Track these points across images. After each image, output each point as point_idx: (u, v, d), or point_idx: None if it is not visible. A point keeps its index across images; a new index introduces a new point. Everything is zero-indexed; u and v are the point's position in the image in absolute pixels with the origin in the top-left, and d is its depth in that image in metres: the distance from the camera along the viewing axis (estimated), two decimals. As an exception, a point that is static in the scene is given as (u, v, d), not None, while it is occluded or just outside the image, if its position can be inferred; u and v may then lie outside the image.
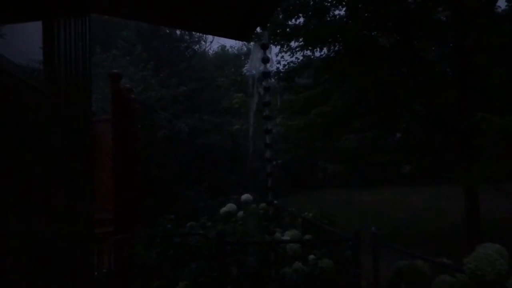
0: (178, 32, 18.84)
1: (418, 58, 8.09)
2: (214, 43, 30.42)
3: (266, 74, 4.44)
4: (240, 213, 6.91)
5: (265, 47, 4.35)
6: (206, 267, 4.66)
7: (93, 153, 7.26)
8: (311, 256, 5.18)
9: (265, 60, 4.37)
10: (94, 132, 7.02)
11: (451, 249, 7.71)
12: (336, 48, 8.33)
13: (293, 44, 9.20)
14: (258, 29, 4.46)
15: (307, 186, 17.22)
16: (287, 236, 5.80)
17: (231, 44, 27.41)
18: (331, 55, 8.40)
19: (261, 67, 4.44)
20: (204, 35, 20.98)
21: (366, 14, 7.96)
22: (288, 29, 8.29)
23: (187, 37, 19.44)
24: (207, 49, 22.76)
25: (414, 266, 3.77)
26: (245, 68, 17.41)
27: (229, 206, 7.14)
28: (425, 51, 8.48)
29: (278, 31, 8.21)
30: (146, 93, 11.23)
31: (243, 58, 24.81)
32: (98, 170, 6.94)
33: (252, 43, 6.72)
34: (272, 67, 4.40)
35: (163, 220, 7.16)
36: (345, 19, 8.21)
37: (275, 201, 7.86)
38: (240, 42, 26.69)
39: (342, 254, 5.02)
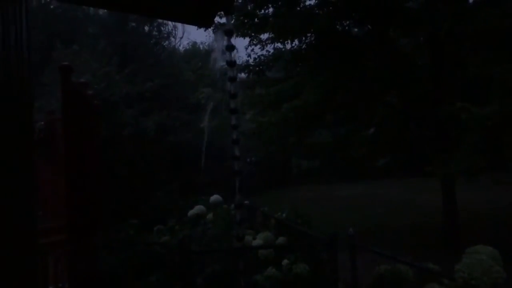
0: (146, 27, 18.24)
1: (392, 48, 7.82)
2: (184, 39, 29.71)
3: (231, 64, 4.03)
4: (209, 216, 6.50)
5: (229, 34, 3.94)
6: (168, 279, 4.24)
7: (41, 153, 6.64)
8: (285, 261, 4.80)
9: (230, 47, 3.96)
10: (51, 131, 6.44)
11: (430, 244, 7.52)
12: (308, 40, 7.98)
13: (263, 36, 8.84)
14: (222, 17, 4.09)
15: (282, 183, 16.92)
16: (259, 239, 5.41)
17: (202, 40, 26.90)
18: (303, 47, 8.04)
19: (225, 56, 4.03)
20: (174, 31, 20.41)
21: (337, 3, 7.64)
22: (256, 19, 7.90)
23: (156, 33, 18.83)
24: (176, 45, 22.13)
25: (397, 272, 3.44)
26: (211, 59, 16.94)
27: (198, 208, 6.71)
28: (398, 42, 8.22)
29: (246, 21, 7.80)
30: (110, 89, 10.64)
31: (213, 55, 24.36)
32: (50, 172, 6.39)
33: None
34: (237, 55, 3.96)
35: (126, 225, 6.67)
36: (316, 9, 7.88)
37: (246, 201, 7.46)
38: (211, 37, 26.21)
39: (318, 258, 4.67)
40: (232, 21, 3.85)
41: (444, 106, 7.20)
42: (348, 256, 4.01)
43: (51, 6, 15.30)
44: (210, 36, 25.83)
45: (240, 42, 9.44)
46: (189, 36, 30.39)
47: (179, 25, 20.42)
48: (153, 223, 7.62)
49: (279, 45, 8.85)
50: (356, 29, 8.19)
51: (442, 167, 7.38)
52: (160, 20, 18.38)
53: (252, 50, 9.19)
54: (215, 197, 6.52)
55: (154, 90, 12.28)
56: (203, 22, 4.12)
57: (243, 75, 9.01)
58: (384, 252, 3.56)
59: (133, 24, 16.92)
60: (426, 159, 8.59)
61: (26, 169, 3.22)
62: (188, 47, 25.02)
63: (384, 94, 8.28)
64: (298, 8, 8.06)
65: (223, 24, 5.80)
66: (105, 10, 17.19)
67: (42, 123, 7.95)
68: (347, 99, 8.01)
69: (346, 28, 7.99)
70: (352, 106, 8.35)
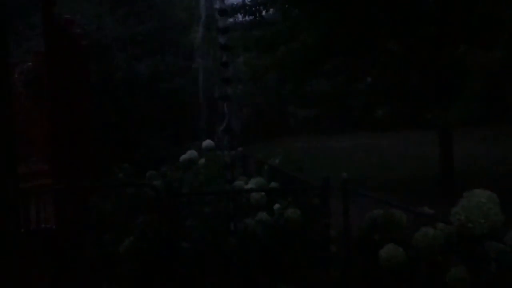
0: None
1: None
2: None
3: (222, 11, 3.67)
4: (201, 161, 6.36)
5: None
6: (155, 221, 4.13)
7: (29, 94, 6.35)
8: (277, 206, 4.69)
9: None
10: (38, 72, 6.17)
11: (426, 193, 7.45)
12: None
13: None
14: None
15: (277, 133, 16.72)
16: (251, 184, 5.28)
17: (199, -16, 25.75)
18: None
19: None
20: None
21: None
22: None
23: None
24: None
25: (390, 216, 3.31)
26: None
27: (190, 153, 6.55)
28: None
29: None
30: (101, 31, 10.21)
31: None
32: (38, 114, 6.19)
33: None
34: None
35: (117, 169, 6.55)
36: None
37: (240, 148, 7.31)
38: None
39: (310, 203, 4.57)
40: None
41: (447, 50, 6.92)
42: (340, 205, 3.90)
43: None
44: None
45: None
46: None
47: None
48: (146, 170, 7.50)
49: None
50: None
51: (442, 115, 7.21)
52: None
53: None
54: (207, 142, 6.35)
55: (147, 34, 11.84)
56: None
57: (239, 16, 8.59)
58: (378, 197, 3.43)
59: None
60: (426, 109, 8.39)
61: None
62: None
63: (384, 38, 7.92)
64: None
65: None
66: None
67: (30, 64, 7.61)
68: (346, 44, 7.67)
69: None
70: (351, 52, 8.01)
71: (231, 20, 8.90)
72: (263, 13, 8.15)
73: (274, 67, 7.12)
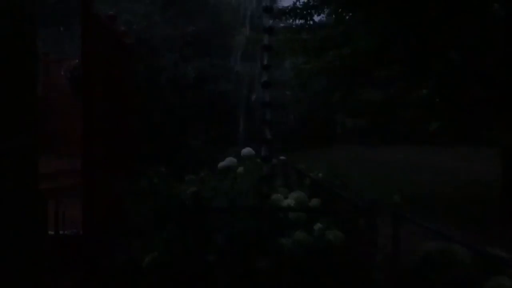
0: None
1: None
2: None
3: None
4: (240, 169, 6.04)
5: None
6: (182, 234, 3.83)
7: (76, 92, 6.22)
8: (318, 225, 4.28)
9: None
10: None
11: (486, 219, 6.74)
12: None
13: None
14: None
15: (323, 142, 16.14)
16: (291, 198, 4.89)
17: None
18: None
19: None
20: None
21: None
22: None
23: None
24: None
25: (449, 252, 2.83)
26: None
27: (229, 160, 6.25)
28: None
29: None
30: (150, 31, 10.16)
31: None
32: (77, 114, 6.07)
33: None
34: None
35: (152, 173, 6.34)
36: None
37: (282, 157, 6.91)
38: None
39: (355, 224, 4.12)
40: None
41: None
42: (390, 227, 3.45)
43: None
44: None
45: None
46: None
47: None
48: (186, 173, 7.29)
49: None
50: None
51: (507, 133, 6.54)
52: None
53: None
54: (247, 150, 6.03)
55: (196, 35, 11.73)
56: None
57: (290, 20, 8.21)
58: (435, 228, 2.95)
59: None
60: (486, 124, 7.69)
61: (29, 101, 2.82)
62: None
63: (445, 46, 7.29)
64: None
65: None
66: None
67: (77, 61, 7.52)
68: (402, 51, 7.11)
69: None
70: (407, 61, 7.43)
71: (281, 24, 8.58)
72: (315, 16, 7.74)
73: (322, 72, 6.67)
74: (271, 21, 3.33)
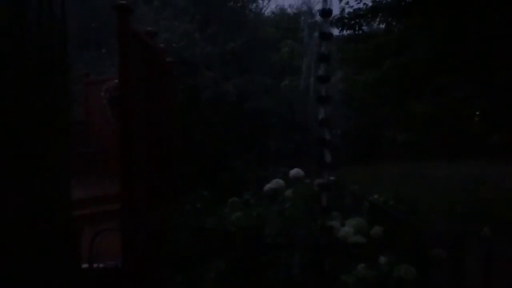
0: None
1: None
2: (272, 3, 28.34)
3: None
4: (288, 192, 5.55)
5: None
6: (232, 268, 3.39)
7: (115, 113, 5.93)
8: (383, 258, 3.71)
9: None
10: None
11: None
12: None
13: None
14: None
15: (369, 158, 15.34)
16: (348, 225, 4.34)
17: (290, 2, 25.42)
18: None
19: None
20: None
21: None
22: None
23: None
24: (263, 9, 20.92)
25: None
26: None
27: (275, 182, 5.77)
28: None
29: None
30: (190, 49, 9.95)
31: (302, 18, 22.94)
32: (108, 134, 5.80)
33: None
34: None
35: (196, 197, 5.96)
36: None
37: (332, 177, 6.37)
38: (300, 1, 24.81)
39: (431, 259, 3.54)
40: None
41: None
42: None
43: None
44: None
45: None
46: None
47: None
48: (229, 194, 6.91)
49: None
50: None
51: None
52: (246, -17, 17.44)
53: (347, 3, 7.85)
54: (295, 171, 5.56)
55: (237, 52, 11.46)
56: None
57: (336, 30, 7.74)
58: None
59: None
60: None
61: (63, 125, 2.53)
62: (275, 11, 23.79)
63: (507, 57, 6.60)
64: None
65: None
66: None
67: (116, 81, 7.28)
68: (465, 58, 6.46)
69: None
70: (466, 70, 6.78)
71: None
72: (364, 26, 7.23)
73: (378, 84, 6.15)
74: (328, 25, 2.88)
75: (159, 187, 5.45)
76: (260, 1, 20.76)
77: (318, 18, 3.60)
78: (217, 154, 9.80)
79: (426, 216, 4.31)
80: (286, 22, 19.33)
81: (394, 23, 6.99)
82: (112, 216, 4.60)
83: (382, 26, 7.33)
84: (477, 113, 8.67)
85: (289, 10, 24.68)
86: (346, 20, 7.31)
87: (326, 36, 2.80)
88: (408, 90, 7.06)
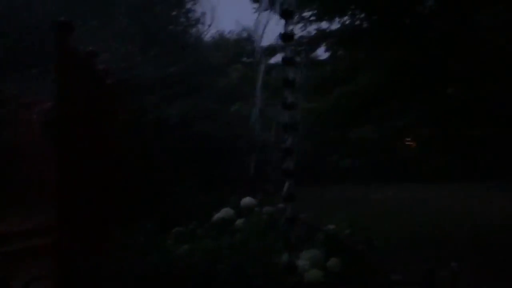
0: (173, 13, 17.16)
1: (465, 29, 6.42)
2: (212, 27, 28.35)
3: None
4: (239, 221, 5.32)
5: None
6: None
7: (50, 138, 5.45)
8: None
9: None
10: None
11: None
12: (364, 16, 6.59)
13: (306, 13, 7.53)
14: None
15: (312, 181, 15.42)
16: (303, 259, 4.18)
17: (231, 29, 25.57)
18: (358, 25, 6.63)
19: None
20: (202, 18, 19.20)
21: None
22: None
23: (183, 19, 17.73)
24: (204, 34, 20.81)
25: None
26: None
27: (225, 212, 5.53)
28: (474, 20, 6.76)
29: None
30: (130, 71, 9.55)
31: (241, 44, 23.25)
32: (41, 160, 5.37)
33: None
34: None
35: (138, 229, 5.55)
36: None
37: (280, 204, 6.17)
38: (240, 26, 25.15)
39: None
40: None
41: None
42: None
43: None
44: (240, 24, 24.79)
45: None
46: (218, 24, 29.18)
47: (208, 12, 19.35)
48: (172, 223, 6.53)
49: (322, 24, 7.52)
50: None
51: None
52: (188, 6, 17.37)
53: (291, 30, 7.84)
54: (247, 200, 5.35)
55: (179, 76, 11.19)
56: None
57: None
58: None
59: (159, 6, 15.84)
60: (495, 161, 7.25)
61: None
62: (215, 37, 23.80)
63: (449, 85, 6.89)
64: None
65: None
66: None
67: (50, 103, 6.76)
68: (404, 89, 6.66)
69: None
70: (410, 97, 6.99)
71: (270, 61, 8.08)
72: (309, 53, 7.28)
73: (328, 112, 6.14)
74: (290, 51, 2.75)
75: (99, 218, 5.04)
76: (200, 26, 20.76)
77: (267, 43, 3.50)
78: (159, 181, 9.37)
79: (384, 245, 4.23)
80: (232, 46, 19.39)
81: (339, 52, 7.11)
82: (42, 255, 4.15)
83: (328, 53, 7.44)
84: (415, 140, 9.00)
85: (228, 36, 24.88)
86: (292, 47, 7.29)
87: (289, 61, 2.65)
88: (353, 117, 7.16)
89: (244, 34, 24.78)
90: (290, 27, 2.89)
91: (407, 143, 11.68)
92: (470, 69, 6.80)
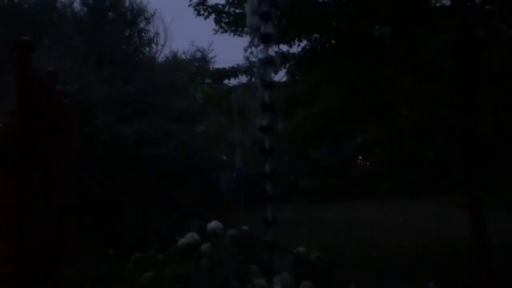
0: (126, 33, 16.92)
1: (417, 53, 6.75)
2: (166, 47, 28.16)
3: (267, 37, 2.85)
4: (205, 246, 5.22)
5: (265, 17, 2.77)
6: None
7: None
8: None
9: (266, 15, 2.79)
10: (9, 135, 5.08)
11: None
12: (323, 40, 6.77)
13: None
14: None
15: (263, 200, 15.31)
16: (276, 283, 4.15)
17: (185, 49, 25.51)
18: (317, 48, 6.81)
19: (261, 28, 2.86)
20: (156, 38, 19.05)
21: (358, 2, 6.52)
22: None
23: (136, 38, 17.51)
24: (157, 53, 20.56)
25: None
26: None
27: (190, 237, 5.42)
28: (425, 45, 7.13)
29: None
30: (84, 91, 9.25)
31: (196, 64, 23.21)
32: (5, 187, 5.04)
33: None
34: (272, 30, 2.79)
35: (99, 257, 5.33)
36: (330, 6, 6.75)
37: (245, 227, 6.12)
38: (194, 47, 25.10)
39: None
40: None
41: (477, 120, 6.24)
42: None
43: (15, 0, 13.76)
44: (193, 45, 24.78)
45: (238, 42, 8.25)
46: (171, 44, 29.11)
47: (161, 32, 19.24)
48: (130, 249, 6.28)
49: (283, 47, 7.65)
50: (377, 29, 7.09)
51: (474, 191, 6.40)
52: (141, 26, 17.23)
53: (251, 52, 7.96)
54: (214, 224, 5.25)
55: (134, 96, 10.97)
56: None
57: (244, 77, 7.78)
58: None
59: (112, 26, 15.55)
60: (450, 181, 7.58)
61: None
62: (169, 57, 23.60)
63: (404, 105, 7.19)
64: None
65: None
66: (82, 11, 15.94)
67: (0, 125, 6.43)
68: (362, 109, 6.88)
69: (367, 28, 6.82)
70: (368, 117, 7.21)
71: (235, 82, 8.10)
72: (272, 75, 7.32)
73: (296, 133, 6.20)
74: (271, 74, 2.79)
75: (56, 246, 4.78)
76: (154, 46, 20.55)
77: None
78: (115, 204, 9.05)
79: (353, 266, 4.27)
80: (187, 66, 19.29)
81: (300, 75, 7.25)
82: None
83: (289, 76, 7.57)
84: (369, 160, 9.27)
85: (183, 56, 24.76)
86: (255, 69, 7.36)
87: (269, 85, 2.69)
88: (315, 138, 7.28)
89: (198, 55, 24.87)
90: (270, 50, 2.95)
91: (359, 162, 12.01)
92: (421, 90, 7.12)
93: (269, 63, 2.78)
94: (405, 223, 10.58)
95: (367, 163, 11.05)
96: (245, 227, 6.25)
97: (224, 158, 11.03)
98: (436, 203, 10.76)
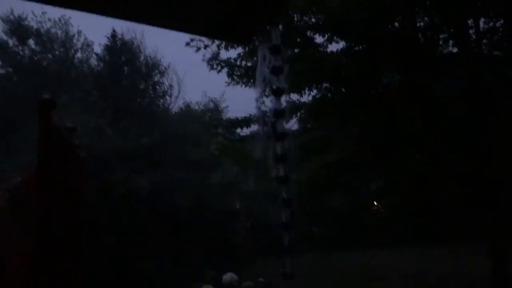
0: (141, 86, 17.44)
1: (426, 99, 6.85)
2: (179, 98, 28.76)
3: (278, 91, 2.94)
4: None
5: (275, 51, 2.87)
6: None
7: (16, 217, 5.28)
8: None
9: (277, 70, 2.89)
10: (29, 190, 5.19)
11: None
12: (333, 88, 6.94)
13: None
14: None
15: (278, 250, 15.01)
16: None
17: (198, 100, 26.03)
18: (327, 96, 6.96)
19: (272, 82, 2.96)
20: (170, 90, 19.57)
21: (366, 51, 6.72)
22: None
23: (151, 91, 18.04)
24: (171, 105, 21.03)
25: None
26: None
27: (207, 290, 5.37)
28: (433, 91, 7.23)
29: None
30: (101, 144, 9.47)
31: (209, 114, 23.59)
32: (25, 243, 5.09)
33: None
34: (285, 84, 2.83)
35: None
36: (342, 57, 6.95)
37: (261, 279, 6.03)
38: (207, 97, 25.66)
39: None
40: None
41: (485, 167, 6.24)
42: None
43: (35, 58, 14.40)
44: (206, 95, 25.31)
45: (249, 92, 8.48)
46: (184, 95, 29.78)
47: (175, 84, 19.75)
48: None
49: (293, 96, 7.84)
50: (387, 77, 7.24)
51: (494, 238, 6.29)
52: (156, 79, 17.75)
53: (263, 102, 8.13)
54: (229, 276, 5.20)
55: (149, 147, 11.16)
56: (240, 38, 3.04)
57: (256, 127, 7.90)
58: None
59: (128, 80, 16.08)
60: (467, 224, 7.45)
61: None
62: (182, 108, 24.05)
63: (414, 150, 7.21)
64: (317, 54, 7.17)
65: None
66: (99, 66, 16.54)
67: (19, 179, 6.59)
68: (376, 155, 6.90)
69: (377, 75, 6.99)
70: (382, 163, 7.22)
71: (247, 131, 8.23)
72: (284, 125, 7.45)
73: (310, 181, 6.23)
74: (284, 124, 2.84)
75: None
76: (168, 98, 21.06)
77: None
78: (130, 256, 9.01)
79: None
80: (200, 117, 19.61)
81: (311, 123, 7.37)
82: None
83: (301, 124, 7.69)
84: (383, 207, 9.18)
85: (196, 107, 25.22)
86: (266, 119, 7.50)
87: (282, 136, 2.73)
88: (328, 186, 7.29)
89: (211, 105, 25.31)
90: (281, 104, 3.03)
91: (374, 208, 11.87)
92: (432, 135, 7.16)
93: (280, 115, 2.85)
94: (427, 271, 10.28)
95: (382, 210, 10.91)
96: (261, 279, 6.17)
97: (238, 207, 11.03)
98: (455, 249, 10.45)
